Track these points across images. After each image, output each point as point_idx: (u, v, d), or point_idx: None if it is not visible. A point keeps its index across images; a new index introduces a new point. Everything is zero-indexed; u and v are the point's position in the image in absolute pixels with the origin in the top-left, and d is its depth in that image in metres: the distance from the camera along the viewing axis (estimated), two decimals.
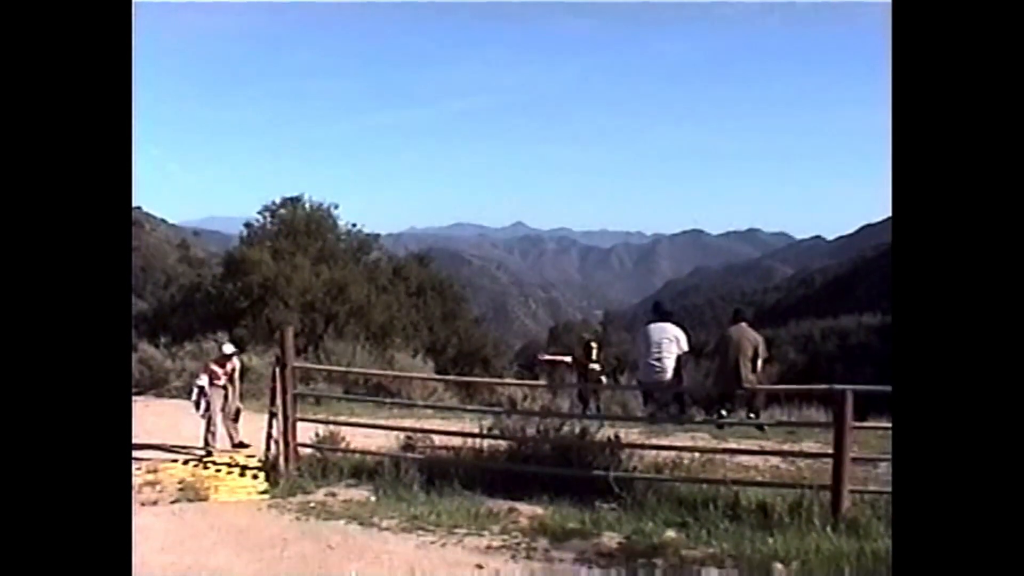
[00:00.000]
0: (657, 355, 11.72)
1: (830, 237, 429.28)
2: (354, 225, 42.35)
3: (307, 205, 40.34)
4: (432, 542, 8.84)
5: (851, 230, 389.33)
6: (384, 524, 9.41)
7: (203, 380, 14.12)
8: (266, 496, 10.81)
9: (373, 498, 10.50)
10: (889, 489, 10.56)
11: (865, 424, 11.05)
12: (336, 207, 41.17)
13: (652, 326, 12.13)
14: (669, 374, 11.67)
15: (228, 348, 14.90)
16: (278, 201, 40.35)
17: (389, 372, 22.17)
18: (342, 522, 9.52)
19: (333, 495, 10.64)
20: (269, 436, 12.11)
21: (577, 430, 11.70)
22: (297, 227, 39.15)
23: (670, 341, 11.83)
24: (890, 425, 11.81)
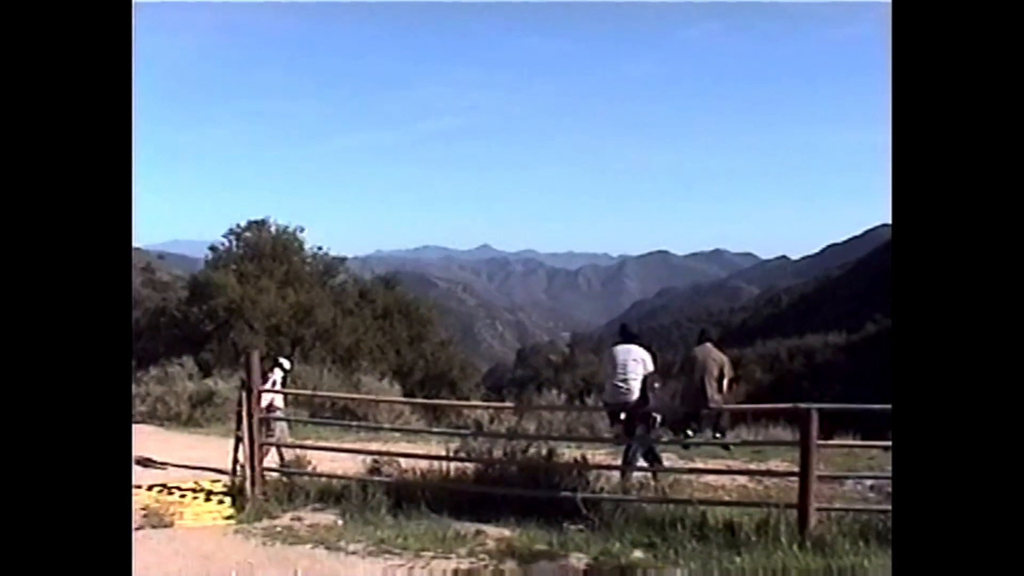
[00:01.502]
0: (623, 376, 11.72)
1: (795, 257, 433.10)
2: (320, 248, 42.44)
3: (273, 228, 40.34)
4: (399, 565, 8.80)
5: (816, 250, 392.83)
6: (351, 548, 9.36)
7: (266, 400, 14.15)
8: (232, 521, 10.72)
9: (340, 522, 10.43)
10: (855, 507, 10.70)
11: (831, 442, 11.12)
12: (302, 230, 41.23)
13: (618, 347, 12.15)
14: (635, 395, 11.68)
15: (285, 363, 15.43)
16: (244, 224, 40.38)
17: (355, 395, 22.16)
18: (309, 546, 9.46)
19: (299, 519, 10.58)
20: (235, 460, 12.04)
21: (544, 451, 11.70)
22: (263, 250, 39.11)
23: (636, 362, 11.84)
24: (855, 443, 11.98)
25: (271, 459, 13.77)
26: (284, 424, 14.87)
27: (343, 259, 44.77)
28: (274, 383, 14.68)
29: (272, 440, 13.80)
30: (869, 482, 12.93)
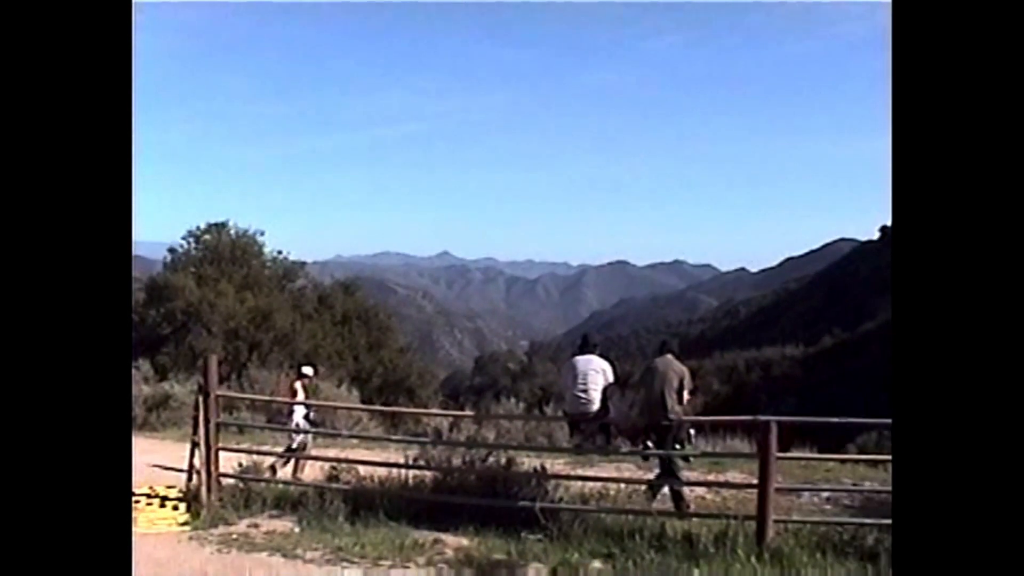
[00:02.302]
0: (583, 386, 11.69)
1: (754, 269, 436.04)
2: (280, 252, 42.20)
3: (232, 231, 40.07)
4: (356, 574, 8.75)
5: (775, 263, 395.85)
6: (308, 556, 9.30)
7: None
8: (187, 528, 10.61)
9: (297, 529, 10.37)
10: (812, 519, 10.75)
11: (789, 455, 11.17)
12: (262, 234, 40.99)
13: (578, 358, 12.13)
14: (596, 405, 11.66)
15: (308, 370, 15.65)
16: (203, 227, 40.04)
17: (314, 401, 21.97)
18: (265, 554, 9.39)
19: (256, 526, 10.49)
20: (191, 466, 11.93)
21: (503, 460, 11.68)
22: (222, 253, 38.85)
23: (596, 372, 11.82)
24: (812, 456, 12.04)
25: (285, 470, 13.73)
26: (308, 438, 14.97)
27: (302, 263, 44.56)
28: (295, 394, 14.85)
29: (299, 453, 13.90)
30: (826, 494, 13.02)
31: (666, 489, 11.70)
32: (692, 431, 12.53)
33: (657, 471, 12.09)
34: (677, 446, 12.25)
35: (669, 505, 11.43)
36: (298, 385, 15.16)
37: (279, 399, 15.20)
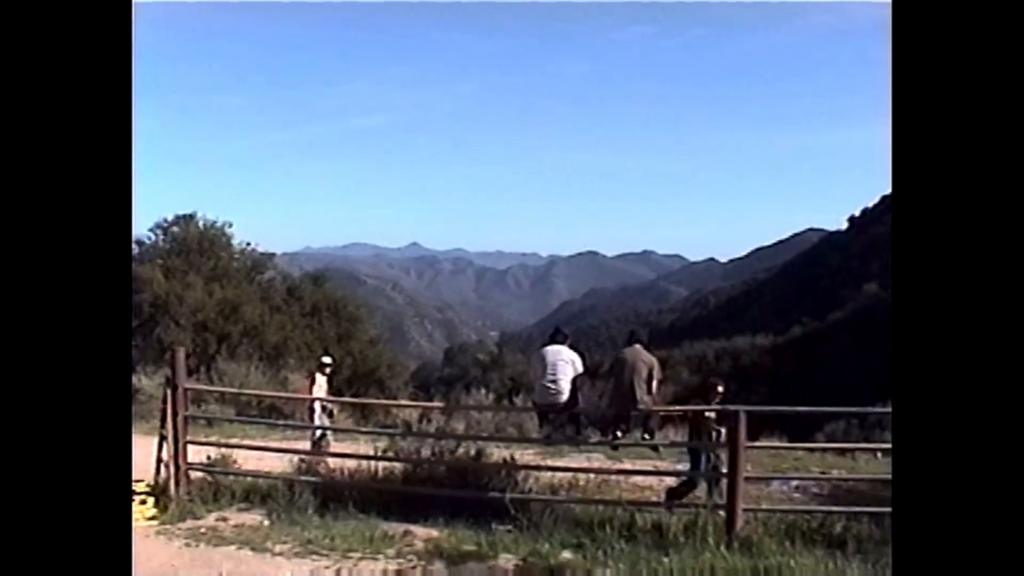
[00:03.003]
0: (553, 377, 11.70)
1: (723, 259, 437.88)
2: (248, 244, 41.90)
3: (201, 223, 39.78)
4: (327, 567, 8.73)
5: (744, 253, 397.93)
6: (277, 549, 9.26)
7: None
8: (155, 522, 10.52)
9: (266, 522, 10.31)
10: (781, 507, 10.81)
11: (758, 444, 11.22)
12: (230, 225, 40.70)
13: (548, 348, 12.13)
14: (565, 396, 11.67)
15: (327, 360, 16.44)
16: (171, 218, 39.73)
17: (283, 393, 21.90)
18: (234, 547, 9.34)
19: (225, 520, 10.43)
20: (159, 460, 11.84)
21: (473, 451, 11.67)
22: (190, 245, 38.58)
23: (565, 363, 11.83)
24: (781, 445, 12.10)
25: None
26: (329, 434, 15.36)
27: (271, 255, 44.29)
28: (318, 386, 15.52)
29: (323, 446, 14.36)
30: (795, 483, 13.10)
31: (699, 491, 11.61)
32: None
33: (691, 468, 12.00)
34: (646, 436, 12.27)
35: (639, 495, 11.45)
36: (319, 376, 15.70)
37: (247, 391, 15.21)
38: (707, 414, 11.57)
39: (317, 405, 15.39)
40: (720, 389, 12.03)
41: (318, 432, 15.06)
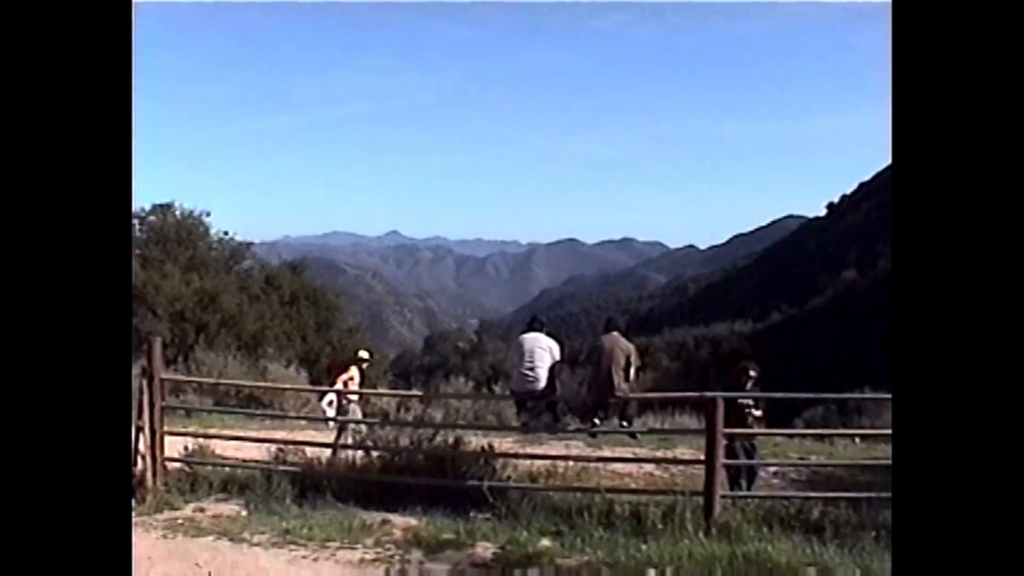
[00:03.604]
0: (530, 364, 11.73)
1: (703, 246, 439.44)
2: (226, 233, 41.72)
3: (178, 212, 39.61)
4: (304, 556, 8.71)
5: (723, 240, 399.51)
6: (255, 539, 9.23)
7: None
8: (132, 513, 10.49)
9: (244, 512, 10.28)
10: (759, 494, 10.86)
11: (736, 430, 11.24)
12: (208, 214, 40.51)
13: (526, 335, 12.16)
14: (542, 383, 11.69)
15: (364, 354, 16.83)
16: (148, 208, 39.49)
17: (261, 383, 21.86)
18: (211, 538, 9.30)
19: (202, 510, 10.39)
20: (136, 451, 11.78)
21: (451, 440, 11.67)
22: (167, 234, 38.41)
23: (543, 350, 11.86)
24: (759, 431, 12.14)
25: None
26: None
27: (250, 244, 44.04)
28: (352, 378, 15.75)
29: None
30: (773, 469, 13.15)
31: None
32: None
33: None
34: (624, 423, 12.31)
35: (617, 482, 11.47)
36: (354, 369, 15.84)
37: (225, 381, 15.18)
38: (740, 400, 11.43)
39: (341, 398, 15.74)
40: (753, 373, 11.87)
41: (336, 422, 15.20)
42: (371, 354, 18.79)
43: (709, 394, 10.18)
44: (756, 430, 11.68)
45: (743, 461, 11.31)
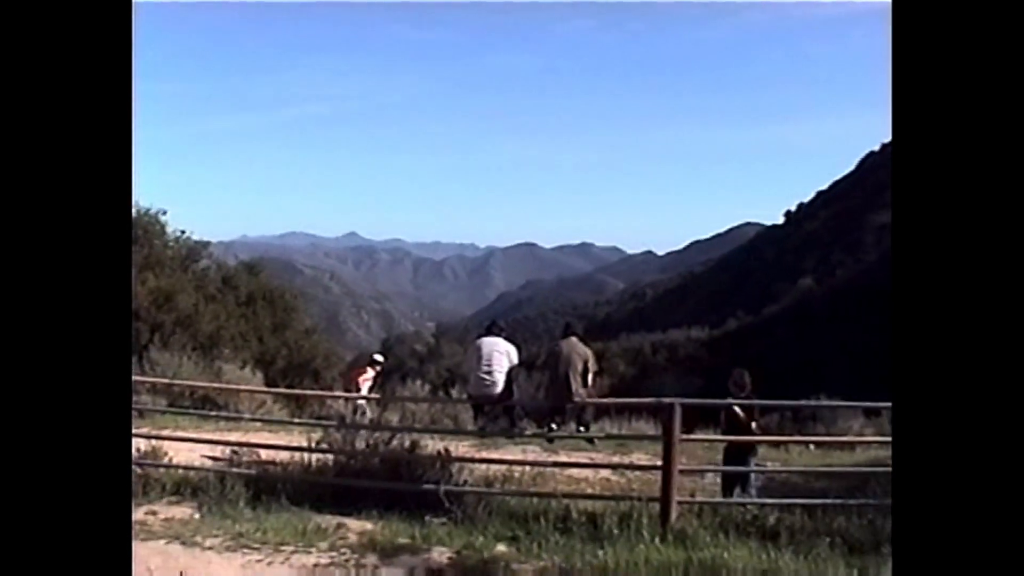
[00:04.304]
0: (488, 368, 11.72)
1: (661, 252, 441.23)
2: (183, 232, 41.24)
3: (134, 210, 39.15)
4: (258, 560, 8.61)
5: (681, 246, 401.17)
6: (208, 543, 9.10)
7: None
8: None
9: (197, 515, 10.15)
10: (715, 499, 10.88)
11: (693, 436, 11.26)
12: (164, 213, 39.99)
13: (484, 340, 12.15)
14: (499, 387, 11.68)
15: (379, 357, 18.10)
16: None
17: (216, 384, 21.62)
18: (163, 542, 9.16)
19: (154, 513, 10.24)
20: None
21: (407, 443, 11.61)
22: None
23: (501, 354, 11.85)
24: (715, 437, 12.17)
25: None
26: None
27: (206, 244, 43.56)
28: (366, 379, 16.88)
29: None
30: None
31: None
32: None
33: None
34: (581, 428, 12.31)
35: (574, 487, 11.46)
36: (369, 371, 17.10)
37: (179, 382, 15.05)
38: (735, 408, 11.51)
39: (362, 402, 16.48)
40: (747, 381, 11.95)
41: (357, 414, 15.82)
42: (385, 357, 20.12)
43: (666, 400, 10.17)
44: (716, 437, 11.77)
45: (740, 468, 11.42)
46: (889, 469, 11.65)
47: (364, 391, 16.78)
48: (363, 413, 16.28)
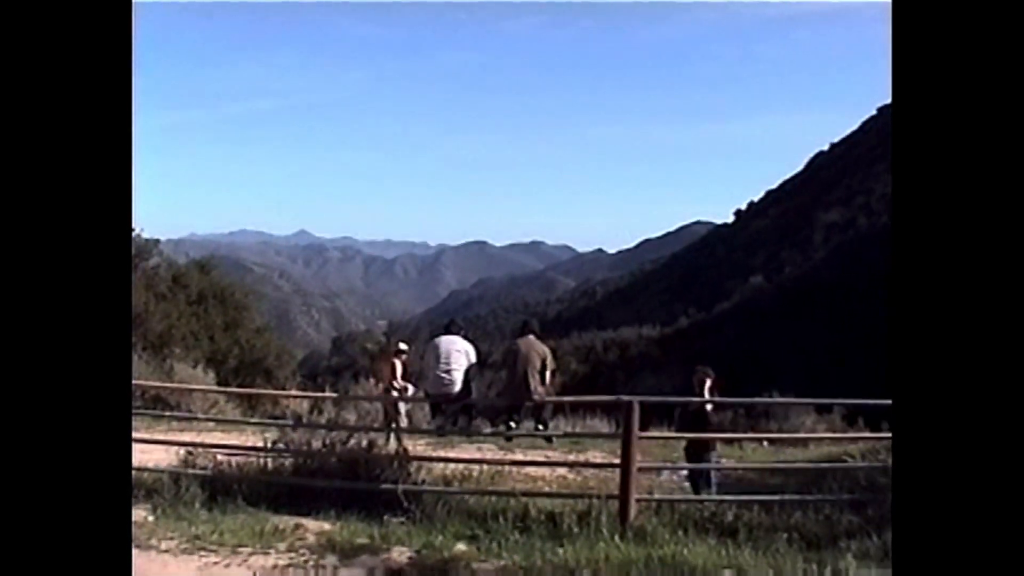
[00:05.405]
0: (447, 367, 11.67)
1: (611, 250, 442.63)
2: (132, 229, 40.91)
3: None
4: (215, 563, 8.52)
5: (632, 244, 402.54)
6: (163, 546, 8.99)
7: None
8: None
9: (151, 518, 10.00)
10: (673, 496, 10.93)
11: (649, 434, 11.31)
12: None
13: (441, 338, 12.09)
14: (458, 386, 11.64)
15: (403, 346, 17.89)
16: None
17: (168, 384, 21.43)
18: None
19: None
20: None
21: (364, 443, 11.56)
22: None
23: (460, 353, 11.81)
24: (670, 435, 12.25)
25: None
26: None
27: (156, 241, 43.12)
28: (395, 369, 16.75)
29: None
30: (685, 472, 13.24)
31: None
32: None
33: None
34: (540, 427, 12.30)
35: (532, 486, 11.48)
36: (396, 361, 16.75)
37: (137, 382, 14.85)
38: (706, 408, 11.80)
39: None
40: (709, 380, 12.14)
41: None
42: (409, 345, 19.62)
43: (625, 398, 10.20)
44: (673, 434, 11.90)
45: (703, 465, 11.59)
46: (842, 464, 11.84)
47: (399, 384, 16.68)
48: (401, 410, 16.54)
